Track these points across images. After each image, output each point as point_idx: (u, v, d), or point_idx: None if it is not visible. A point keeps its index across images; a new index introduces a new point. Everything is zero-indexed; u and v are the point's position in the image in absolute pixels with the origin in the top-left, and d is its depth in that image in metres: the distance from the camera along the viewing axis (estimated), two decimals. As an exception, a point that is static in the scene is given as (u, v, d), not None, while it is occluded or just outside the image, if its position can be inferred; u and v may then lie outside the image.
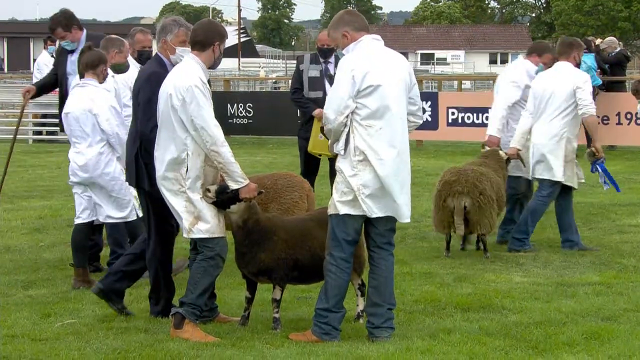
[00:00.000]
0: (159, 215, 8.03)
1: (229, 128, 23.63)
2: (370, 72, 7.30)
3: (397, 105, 7.39)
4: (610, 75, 22.68)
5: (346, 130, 7.33)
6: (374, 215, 7.41)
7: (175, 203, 7.59)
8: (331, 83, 11.71)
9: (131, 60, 10.40)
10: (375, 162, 7.31)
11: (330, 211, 7.47)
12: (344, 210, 7.37)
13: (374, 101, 7.31)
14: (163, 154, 7.61)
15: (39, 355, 7.00)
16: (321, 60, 12.02)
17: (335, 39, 7.65)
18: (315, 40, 12.55)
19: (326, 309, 7.42)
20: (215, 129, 7.45)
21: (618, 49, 23.08)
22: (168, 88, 7.59)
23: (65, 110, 9.58)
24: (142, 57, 10.69)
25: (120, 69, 10.00)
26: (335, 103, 7.31)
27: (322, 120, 7.63)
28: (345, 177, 7.36)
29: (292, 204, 9.58)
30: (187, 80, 7.50)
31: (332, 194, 7.60)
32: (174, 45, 8.07)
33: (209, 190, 7.52)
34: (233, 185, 7.50)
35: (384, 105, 7.32)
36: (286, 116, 23.22)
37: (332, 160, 8.02)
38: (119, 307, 8.27)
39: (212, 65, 7.79)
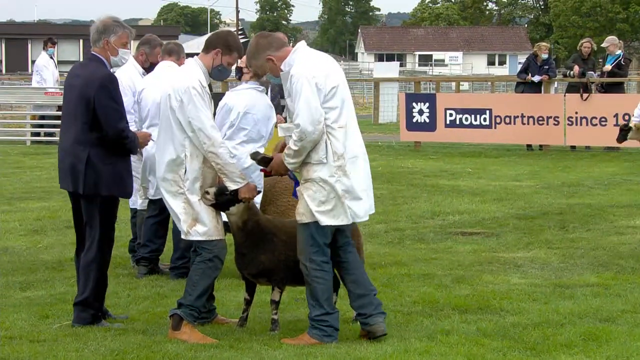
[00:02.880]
0: (108, 221, 7.96)
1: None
2: (328, 75, 7.32)
3: (350, 104, 7.48)
4: (611, 77, 22.70)
5: (324, 137, 7.28)
6: (359, 220, 7.46)
7: (174, 205, 7.59)
8: (274, 87, 11.55)
9: (134, 64, 10.37)
10: (351, 164, 7.34)
11: (306, 220, 7.35)
12: (326, 221, 7.31)
13: (337, 102, 7.32)
14: (162, 156, 7.61)
15: (37, 357, 6.99)
16: None
17: (259, 67, 7.52)
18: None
19: (325, 314, 7.40)
20: (212, 131, 7.45)
21: (618, 51, 23.06)
22: (167, 89, 7.60)
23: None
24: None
25: None
26: (312, 115, 7.18)
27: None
28: (324, 185, 7.30)
29: (288, 207, 9.57)
30: (185, 82, 7.50)
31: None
32: (116, 47, 7.98)
33: (207, 193, 7.51)
34: (231, 186, 7.49)
35: (343, 105, 7.37)
36: (284, 117, 23.16)
37: None
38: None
39: (213, 74, 7.70)
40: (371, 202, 7.58)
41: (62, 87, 9.12)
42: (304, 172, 7.40)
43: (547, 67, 23.30)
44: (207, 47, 7.70)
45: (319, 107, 7.21)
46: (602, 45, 23.66)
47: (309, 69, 7.27)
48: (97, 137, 7.81)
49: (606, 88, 22.72)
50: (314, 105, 7.20)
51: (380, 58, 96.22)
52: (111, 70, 8.07)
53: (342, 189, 7.31)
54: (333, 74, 7.36)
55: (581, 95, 21.89)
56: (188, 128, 7.46)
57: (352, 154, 7.37)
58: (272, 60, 7.43)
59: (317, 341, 7.36)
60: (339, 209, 7.34)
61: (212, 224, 7.55)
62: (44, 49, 26.79)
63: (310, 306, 7.47)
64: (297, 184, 7.67)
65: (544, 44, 24.23)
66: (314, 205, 7.32)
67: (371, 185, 7.61)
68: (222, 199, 7.52)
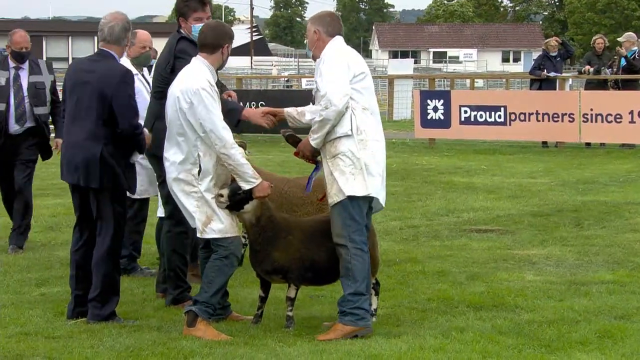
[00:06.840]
0: (120, 215, 8.01)
1: (242, 126, 23.54)
2: (358, 61, 7.64)
3: (374, 97, 7.76)
4: (626, 73, 22.61)
5: (349, 112, 7.45)
6: (374, 195, 7.56)
7: (188, 203, 7.59)
8: (19, 92, 11.03)
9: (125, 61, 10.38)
10: (373, 143, 7.54)
11: (341, 197, 7.43)
12: (359, 191, 7.43)
13: (365, 87, 7.59)
14: (174, 156, 7.61)
15: (52, 353, 7.02)
16: (12, 65, 11.23)
17: (308, 30, 7.84)
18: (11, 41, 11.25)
19: (356, 293, 7.44)
20: (223, 132, 7.45)
21: (636, 48, 22.96)
22: (175, 91, 7.59)
23: None
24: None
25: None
26: (341, 87, 7.39)
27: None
28: (352, 157, 7.43)
29: (323, 209, 9.47)
30: (194, 83, 7.49)
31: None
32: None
33: (221, 195, 7.50)
34: (245, 186, 7.49)
35: (369, 93, 7.64)
36: (298, 114, 23.17)
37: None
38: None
39: (220, 66, 7.82)
40: (384, 193, 7.70)
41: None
42: (331, 149, 7.51)
43: (559, 58, 23.37)
44: (213, 48, 7.68)
45: (347, 82, 7.45)
46: (619, 39, 23.55)
47: (342, 50, 7.62)
48: (111, 133, 7.85)
49: (621, 85, 22.63)
50: (342, 79, 7.45)
51: (394, 55, 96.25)
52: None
53: (364, 162, 7.46)
54: (363, 64, 7.68)
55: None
56: (199, 129, 7.46)
57: (374, 137, 7.57)
58: (317, 34, 7.71)
59: (353, 327, 7.41)
60: (362, 181, 7.46)
61: (228, 221, 7.55)
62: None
63: (345, 286, 7.50)
64: (316, 169, 7.85)
65: (551, 43, 23.96)
66: (345, 179, 7.43)
67: (385, 177, 7.71)
68: (236, 199, 7.52)
